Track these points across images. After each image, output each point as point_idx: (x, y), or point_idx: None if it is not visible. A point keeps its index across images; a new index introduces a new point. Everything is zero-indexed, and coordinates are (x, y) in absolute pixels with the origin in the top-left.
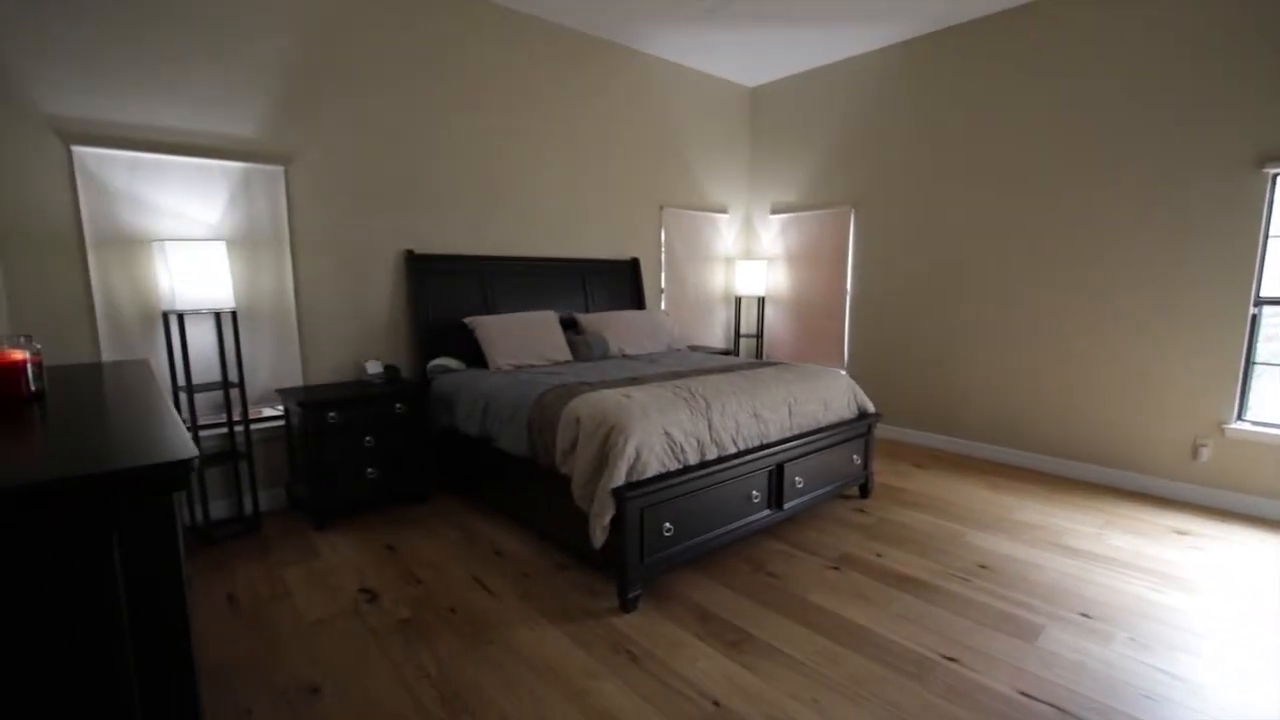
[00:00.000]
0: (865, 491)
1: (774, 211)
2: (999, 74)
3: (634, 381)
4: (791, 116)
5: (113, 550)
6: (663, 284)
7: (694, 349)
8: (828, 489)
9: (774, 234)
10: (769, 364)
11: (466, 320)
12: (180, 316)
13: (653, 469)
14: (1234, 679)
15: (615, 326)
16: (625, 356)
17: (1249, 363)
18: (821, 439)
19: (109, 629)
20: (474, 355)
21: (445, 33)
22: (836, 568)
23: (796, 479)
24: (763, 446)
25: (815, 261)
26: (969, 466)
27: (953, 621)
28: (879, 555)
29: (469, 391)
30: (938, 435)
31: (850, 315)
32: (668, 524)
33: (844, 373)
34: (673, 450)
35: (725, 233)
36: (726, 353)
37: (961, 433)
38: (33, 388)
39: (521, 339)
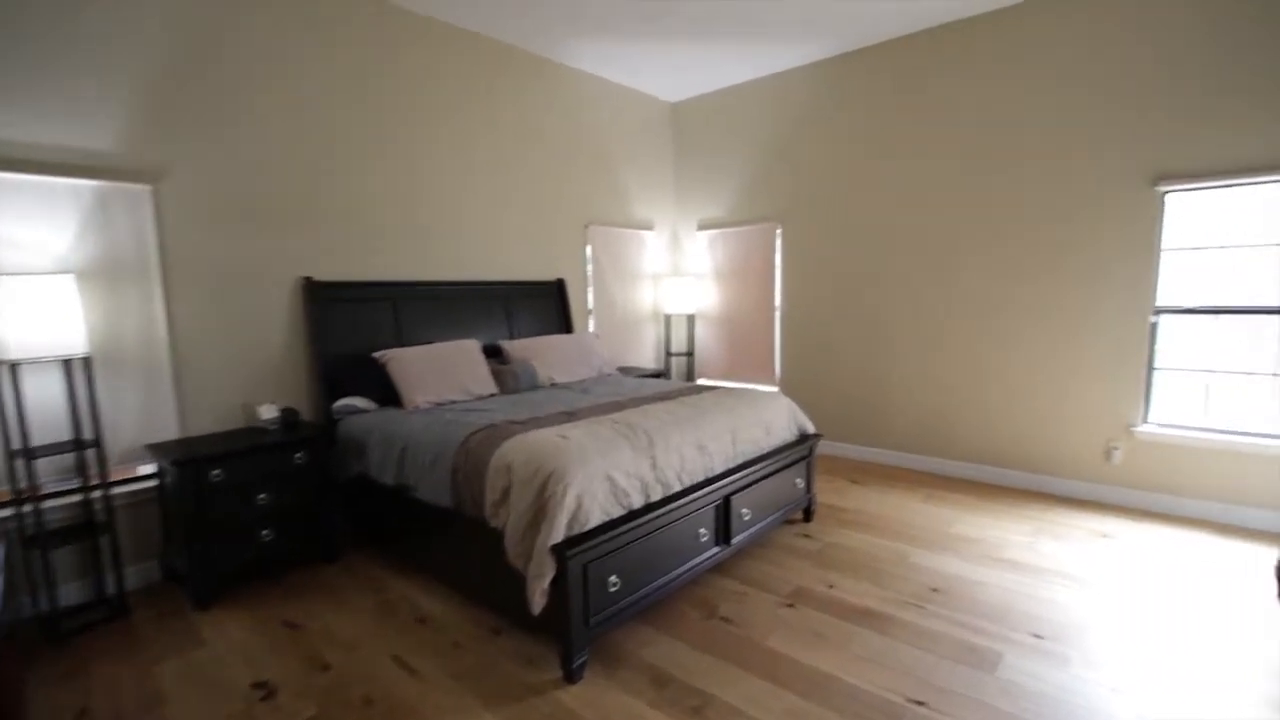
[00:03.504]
0: (809, 515)
1: (701, 227)
2: (910, 93)
3: (569, 417)
4: (715, 132)
5: None
6: (590, 304)
7: (625, 371)
8: (773, 517)
9: (702, 250)
10: (708, 389)
11: (377, 354)
12: (13, 367)
13: (595, 518)
14: (1173, 684)
15: (543, 353)
16: (555, 385)
17: (1151, 368)
18: (766, 466)
19: None
20: (387, 393)
21: (348, 36)
22: (791, 604)
23: (743, 511)
24: (709, 481)
25: (744, 277)
26: (902, 478)
27: (914, 658)
28: (831, 586)
29: (382, 434)
30: (870, 448)
31: (781, 330)
32: (614, 577)
33: (782, 394)
34: (616, 495)
35: (653, 250)
36: (658, 374)
37: (893, 444)
38: None
39: (440, 372)
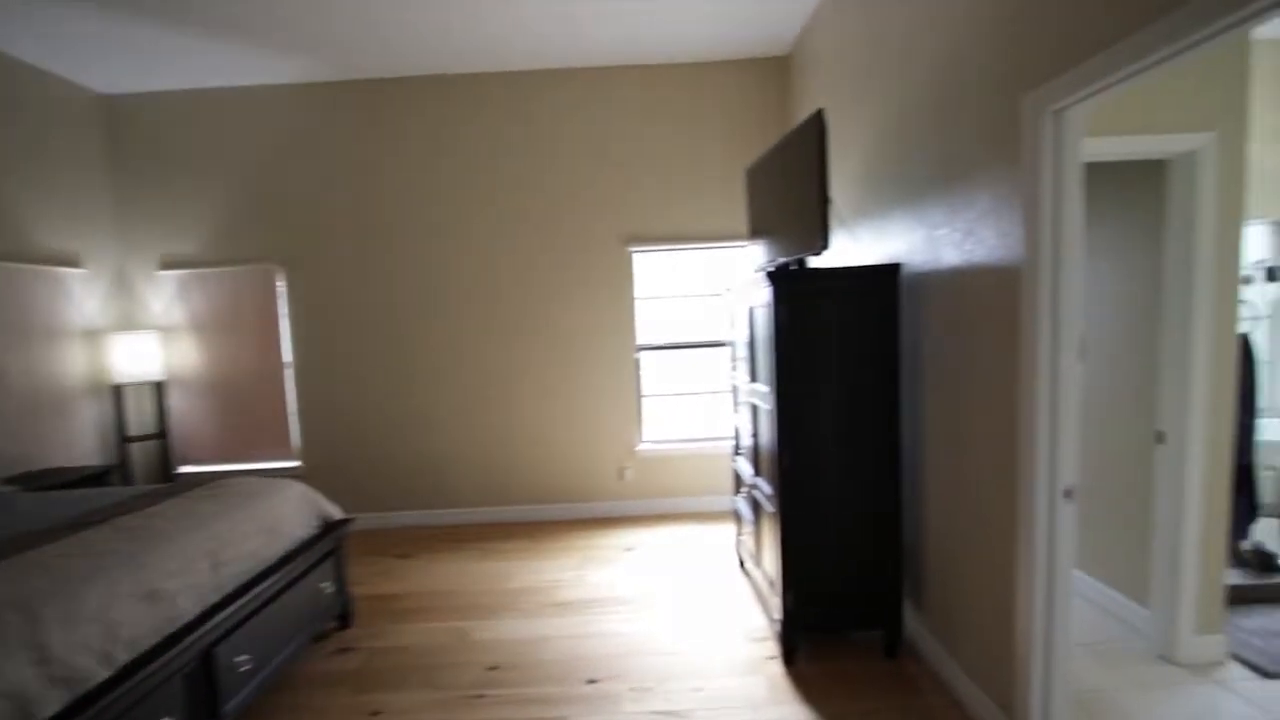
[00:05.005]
0: (346, 619)
1: (165, 266)
2: (437, 132)
3: None
4: (178, 146)
5: None
6: None
7: (32, 479)
8: (292, 646)
9: (169, 297)
10: (177, 491)
11: None
12: None
13: None
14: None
15: None
16: None
17: (640, 396)
18: (275, 581)
19: None
20: None
21: None
22: None
23: (239, 660)
24: (172, 639)
25: (237, 330)
26: (460, 537)
27: None
28: (376, 714)
29: None
30: (423, 511)
31: (296, 393)
32: None
33: (292, 481)
34: None
35: (82, 296)
36: (103, 473)
37: (446, 502)
38: None
39: None
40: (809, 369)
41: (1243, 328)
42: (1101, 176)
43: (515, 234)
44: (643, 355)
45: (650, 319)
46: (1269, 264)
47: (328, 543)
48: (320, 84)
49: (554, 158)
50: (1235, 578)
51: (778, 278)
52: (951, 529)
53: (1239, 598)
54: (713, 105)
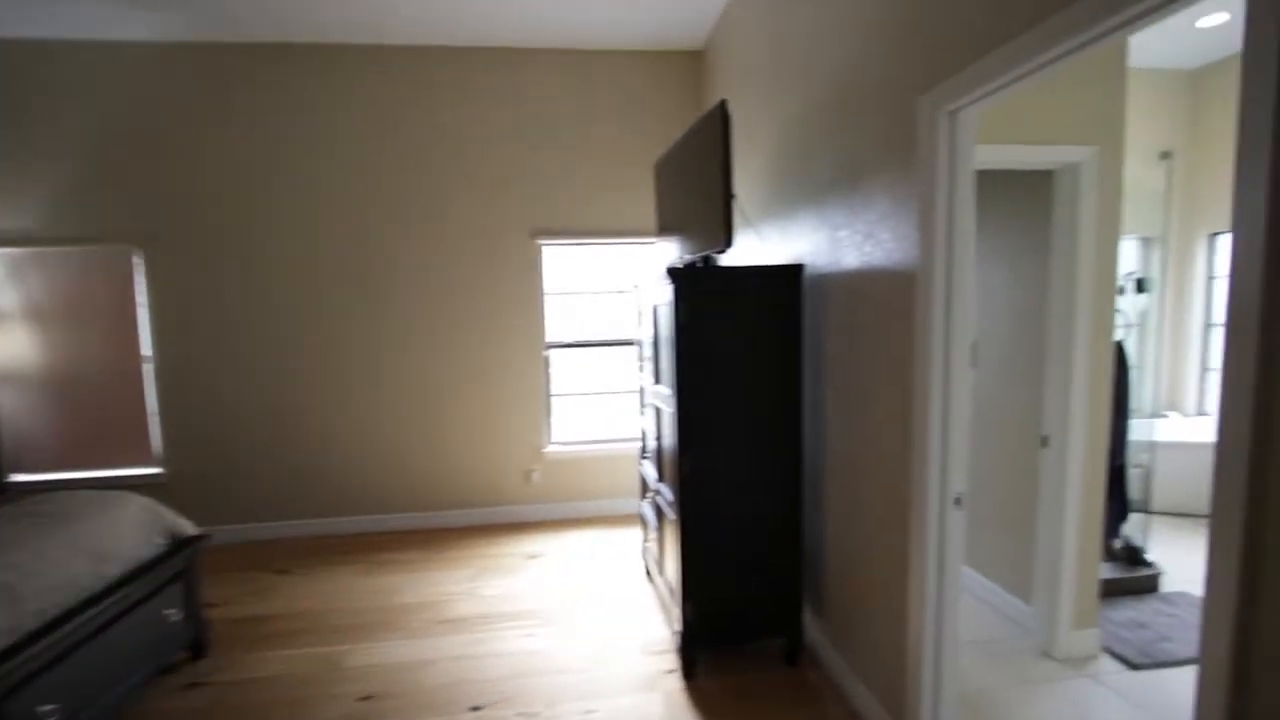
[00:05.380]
0: (200, 649)
1: None
2: (326, 106)
3: None
4: (16, 99)
5: None
6: None
7: None
8: (124, 686)
9: None
10: None
11: None
12: None
13: None
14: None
15: None
16: None
17: (549, 395)
18: (96, 615)
19: None
20: None
21: None
22: None
23: (43, 710)
24: None
25: (83, 319)
26: (349, 548)
27: None
28: None
29: None
30: (310, 520)
31: (157, 392)
32: None
33: (130, 495)
34: None
35: None
36: None
37: (335, 510)
38: None
39: None
40: (711, 370)
41: (1117, 335)
42: (992, 187)
43: (413, 220)
44: (552, 353)
45: (561, 316)
46: (1138, 275)
47: (177, 563)
48: (194, 44)
49: (457, 141)
50: (1106, 572)
51: (679, 275)
52: (850, 534)
53: (1109, 590)
54: (628, 96)
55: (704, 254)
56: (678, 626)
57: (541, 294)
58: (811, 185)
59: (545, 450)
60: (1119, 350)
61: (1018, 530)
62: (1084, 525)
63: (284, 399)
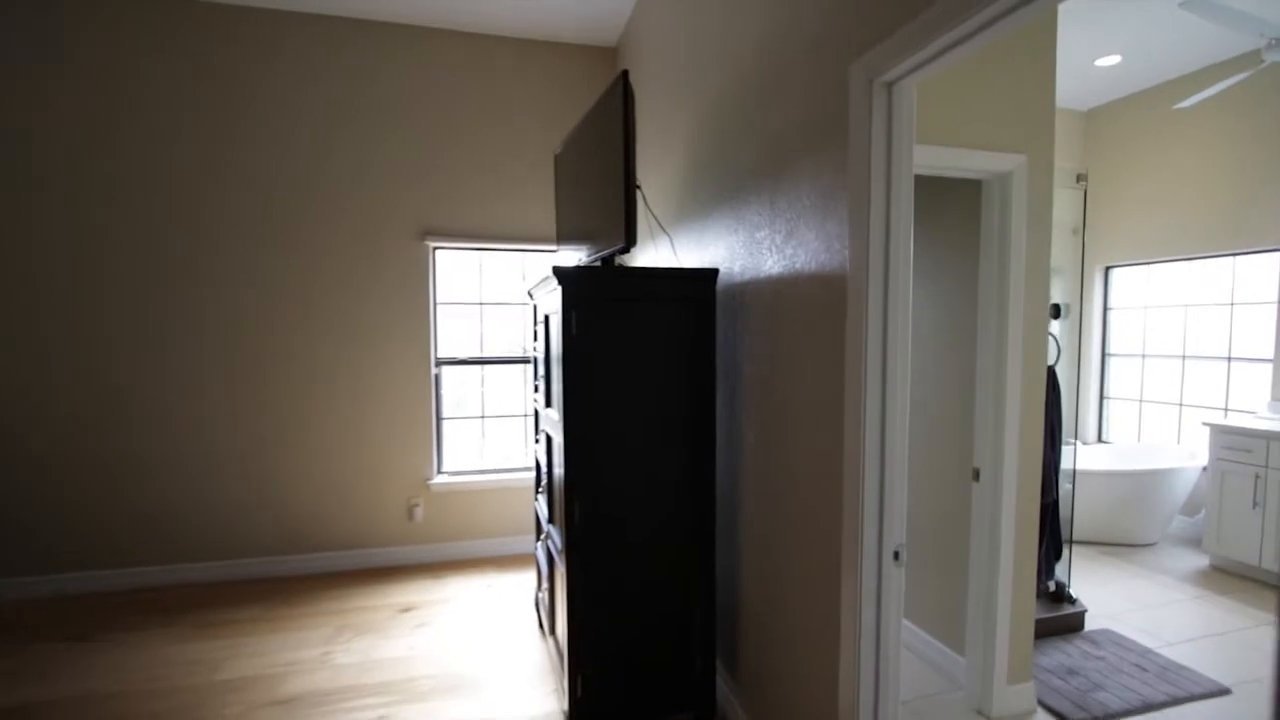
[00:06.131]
0: None
1: None
2: (183, 73)
3: None
4: None
5: None
6: None
7: None
8: None
9: None
10: None
11: None
12: None
13: None
14: None
15: None
16: None
17: (439, 418)
18: None
19: None
20: None
21: None
22: None
23: None
24: None
25: None
26: (172, 605)
27: None
28: None
29: None
30: (127, 570)
31: None
32: None
33: None
34: None
35: None
36: None
37: (163, 558)
38: None
39: None
40: (607, 394)
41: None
42: (917, 199)
43: (278, 217)
44: (445, 370)
45: (459, 329)
46: (1053, 301)
47: None
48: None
49: (337, 125)
50: (1036, 611)
51: (568, 278)
52: (772, 590)
53: (1037, 630)
54: (536, 90)
55: (603, 255)
56: (565, 705)
57: (432, 303)
58: (729, 181)
59: (432, 482)
60: (1051, 376)
61: (948, 573)
62: (1019, 568)
63: (98, 421)
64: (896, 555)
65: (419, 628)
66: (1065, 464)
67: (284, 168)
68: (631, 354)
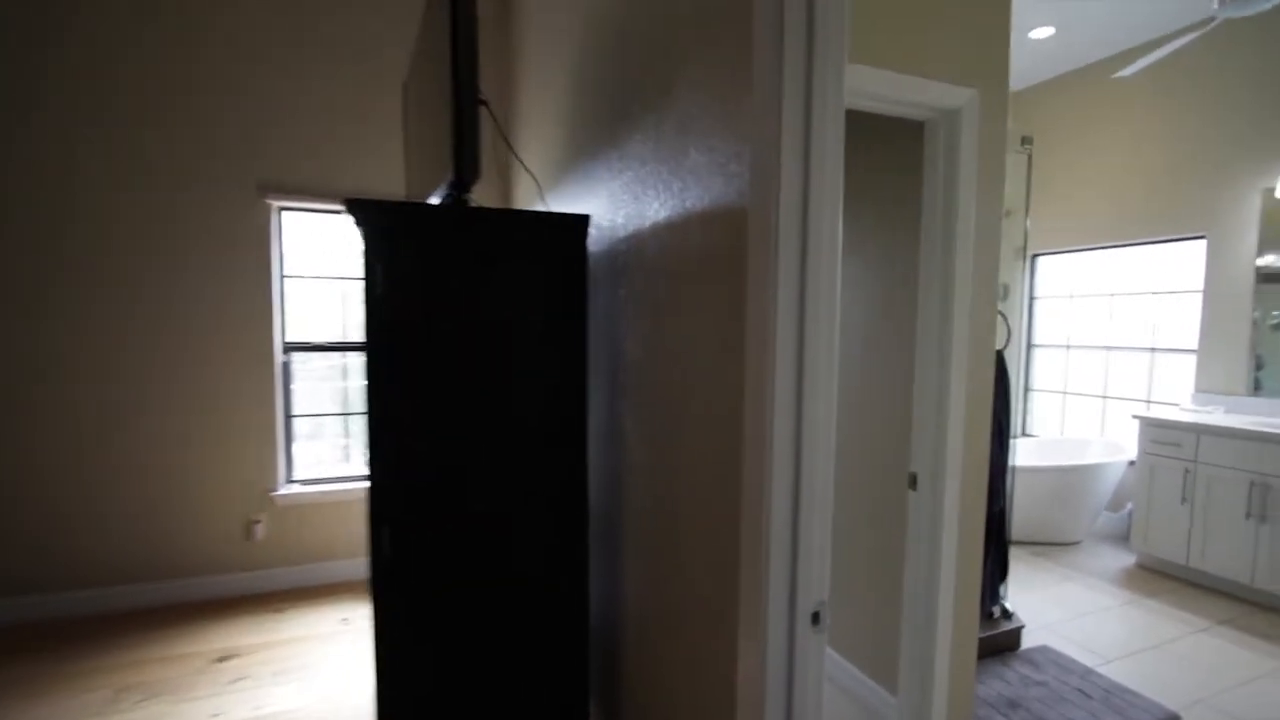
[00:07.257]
0: None
1: None
2: None
3: None
4: None
5: None
6: None
7: None
8: None
9: None
10: None
11: None
12: None
13: None
14: None
15: None
16: None
17: (290, 416)
18: None
19: None
20: None
21: None
22: None
23: None
24: None
25: None
26: None
27: None
28: None
29: None
30: None
31: None
32: None
33: None
34: None
35: None
36: None
37: None
38: None
39: None
40: (435, 381)
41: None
42: (845, 149)
43: (80, 156)
44: (295, 358)
45: (311, 309)
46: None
47: None
48: None
49: (139, 19)
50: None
51: (368, 210)
52: (659, 635)
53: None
54: (402, 17)
55: (444, 193)
56: None
57: (277, 276)
58: (615, 111)
59: (278, 493)
60: (1000, 362)
61: (881, 598)
62: (960, 592)
63: None
64: (816, 617)
65: (235, 683)
66: (1009, 463)
67: (114, 111)
68: (471, 325)
